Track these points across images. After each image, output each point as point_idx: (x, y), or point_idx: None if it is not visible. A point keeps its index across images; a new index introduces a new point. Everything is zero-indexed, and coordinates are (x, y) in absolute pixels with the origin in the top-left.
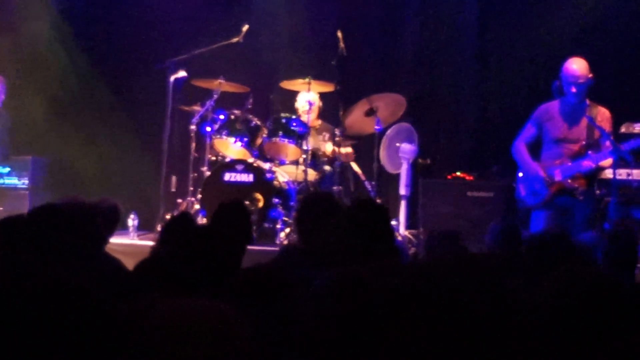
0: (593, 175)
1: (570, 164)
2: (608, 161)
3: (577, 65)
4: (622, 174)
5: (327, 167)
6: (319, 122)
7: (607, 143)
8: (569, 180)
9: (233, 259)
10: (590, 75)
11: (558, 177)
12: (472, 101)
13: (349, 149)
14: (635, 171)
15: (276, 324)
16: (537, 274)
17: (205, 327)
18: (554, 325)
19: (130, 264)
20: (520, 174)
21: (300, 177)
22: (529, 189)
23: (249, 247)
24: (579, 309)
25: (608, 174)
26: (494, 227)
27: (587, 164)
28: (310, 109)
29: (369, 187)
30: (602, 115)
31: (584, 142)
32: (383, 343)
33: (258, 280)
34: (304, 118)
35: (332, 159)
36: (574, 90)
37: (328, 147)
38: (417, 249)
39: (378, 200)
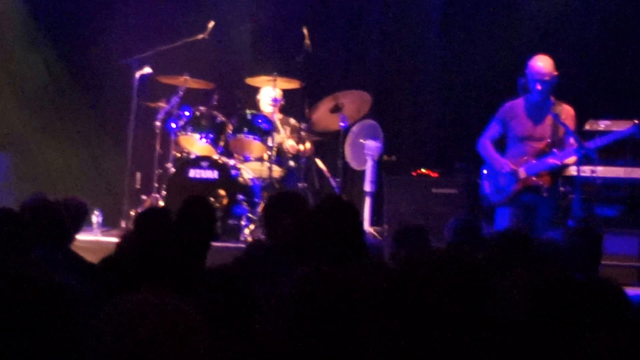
0: (557, 172)
1: (534, 161)
2: (572, 158)
3: (542, 63)
4: (586, 171)
5: (292, 164)
6: (280, 116)
7: (572, 140)
8: (534, 178)
9: (197, 254)
10: (556, 73)
11: (523, 174)
12: (436, 98)
13: (308, 145)
14: (599, 168)
15: (239, 323)
16: (498, 272)
17: (165, 324)
18: (515, 323)
19: (94, 260)
20: (485, 171)
21: (265, 174)
22: (493, 186)
23: (214, 243)
24: (539, 306)
25: (572, 171)
26: (452, 224)
27: (552, 161)
28: (275, 105)
29: (333, 183)
30: (567, 113)
31: (548, 140)
32: (351, 342)
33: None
34: (267, 113)
35: (297, 156)
36: (539, 87)
37: (288, 143)
38: (382, 245)
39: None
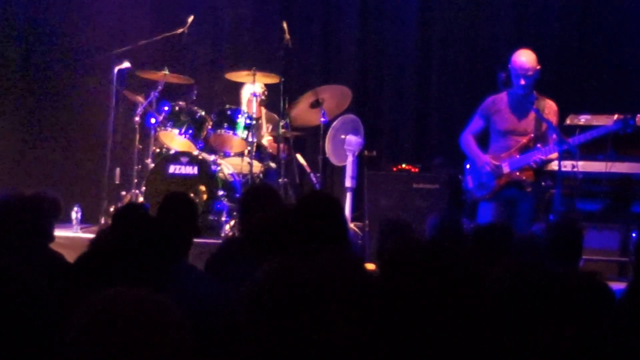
0: (540, 167)
1: (518, 156)
2: (554, 154)
3: (525, 57)
4: (567, 165)
5: (272, 160)
6: (267, 113)
7: (554, 135)
8: (517, 173)
9: (180, 251)
10: (538, 67)
11: (506, 169)
12: (416, 92)
13: (287, 145)
14: (580, 163)
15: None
16: (479, 265)
17: (142, 318)
18: (495, 315)
19: (73, 257)
20: (468, 166)
21: (246, 169)
22: (476, 181)
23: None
24: (515, 298)
25: (553, 165)
26: (432, 220)
27: (535, 156)
28: (255, 100)
29: (314, 179)
30: (550, 108)
31: (532, 135)
32: (318, 335)
33: None
34: (248, 109)
35: (277, 152)
36: (522, 82)
37: (266, 142)
38: (363, 241)
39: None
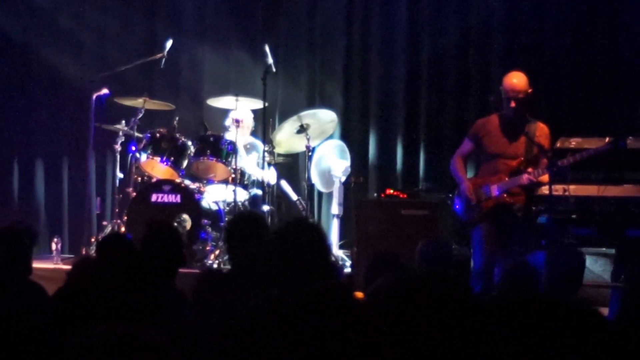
0: (531, 191)
1: (507, 179)
2: (545, 177)
3: (516, 79)
4: (559, 189)
5: (256, 187)
6: (250, 140)
7: (545, 160)
8: (506, 196)
9: (165, 281)
10: (530, 90)
11: (495, 192)
12: (403, 116)
13: (272, 172)
14: (571, 187)
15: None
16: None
17: (134, 355)
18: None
19: (53, 289)
20: (457, 190)
21: (230, 197)
22: (465, 205)
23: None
24: (510, 328)
25: (545, 190)
26: (422, 247)
27: (525, 180)
28: (238, 126)
29: (300, 207)
30: (541, 131)
31: (522, 159)
32: None
33: None
34: (231, 136)
35: (262, 179)
36: (513, 105)
37: (251, 169)
38: (353, 269)
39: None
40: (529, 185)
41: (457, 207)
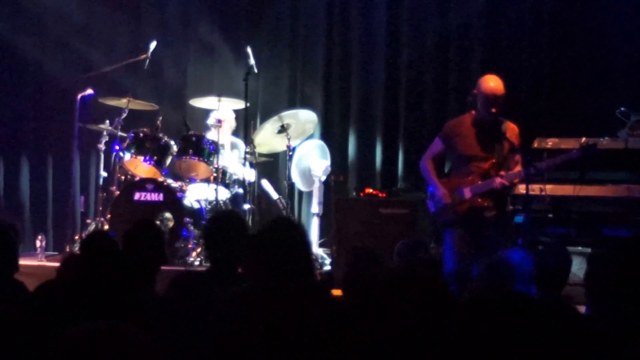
0: (505, 192)
1: (480, 182)
2: (520, 177)
3: (494, 83)
4: (535, 189)
5: (238, 186)
6: (232, 139)
7: (517, 157)
8: (479, 199)
9: (146, 279)
10: (505, 92)
11: (468, 195)
12: (383, 116)
13: (253, 171)
14: (548, 187)
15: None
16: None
17: (115, 351)
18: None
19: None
20: (430, 191)
21: (212, 196)
22: (438, 206)
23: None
24: (485, 324)
25: (521, 189)
26: (400, 247)
27: (498, 184)
28: (220, 126)
29: (280, 205)
30: (512, 130)
31: (494, 160)
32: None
33: None
34: (213, 136)
35: (243, 178)
36: (494, 110)
37: (232, 168)
38: (332, 267)
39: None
40: (502, 189)
41: (432, 208)
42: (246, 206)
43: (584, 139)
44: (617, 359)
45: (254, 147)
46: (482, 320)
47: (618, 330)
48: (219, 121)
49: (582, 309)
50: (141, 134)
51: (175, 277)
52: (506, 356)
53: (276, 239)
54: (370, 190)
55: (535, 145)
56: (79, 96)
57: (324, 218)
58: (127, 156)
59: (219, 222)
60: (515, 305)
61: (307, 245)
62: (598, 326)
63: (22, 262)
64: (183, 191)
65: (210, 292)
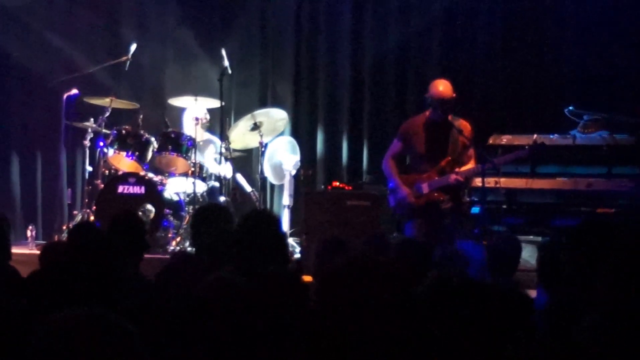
0: (460, 186)
1: (437, 178)
2: (474, 170)
3: (443, 87)
4: (491, 182)
5: (214, 179)
6: (207, 136)
7: (470, 152)
8: (435, 193)
9: (130, 265)
10: (454, 95)
11: (425, 190)
12: (348, 114)
13: (228, 166)
14: (502, 179)
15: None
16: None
17: (97, 338)
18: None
19: (28, 272)
20: (390, 186)
21: (190, 189)
22: (397, 200)
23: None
24: (443, 310)
25: (477, 182)
26: (366, 238)
27: (452, 180)
28: (197, 124)
29: (254, 198)
30: (465, 128)
31: (449, 158)
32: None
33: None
34: (190, 132)
35: (219, 173)
36: (444, 112)
37: (208, 164)
38: (302, 255)
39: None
40: (456, 185)
41: (392, 202)
42: (222, 198)
43: (535, 136)
44: (565, 338)
45: (229, 143)
46: (441, 303)
47: (567, 312)
48: (196, 119)
49: (532, 293)
50: (123, 131)
51: (168, 262)
52: (465, 336)
53: (255, 229)
54: (337, 184)
55: (491, 141)
56: (65, 96)
57: (294, 209)
58: (110, 152)
59: (205, 214)
60: (471, 289)
61: (282, 236)
62: (549, 309)
63: (14, 250)
64: (163, 184)
65: (193, 277)
